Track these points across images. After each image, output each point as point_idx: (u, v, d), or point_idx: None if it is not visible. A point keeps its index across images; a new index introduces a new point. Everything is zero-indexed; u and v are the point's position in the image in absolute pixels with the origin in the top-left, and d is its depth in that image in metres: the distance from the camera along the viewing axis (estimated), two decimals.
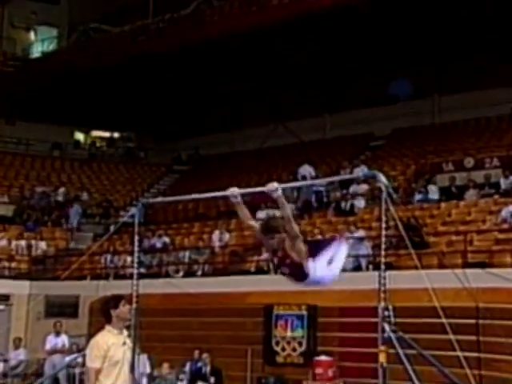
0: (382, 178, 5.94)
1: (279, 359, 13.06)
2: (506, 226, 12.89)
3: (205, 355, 12.95)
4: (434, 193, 15.87)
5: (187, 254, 16.52)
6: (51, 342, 14.48)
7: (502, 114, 19.47)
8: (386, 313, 5.83)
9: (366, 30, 18.73)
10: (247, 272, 14.43)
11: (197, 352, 13.08)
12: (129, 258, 15.74)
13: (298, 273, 5.50)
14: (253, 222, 5.72)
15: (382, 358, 5.80)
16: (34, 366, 15.47)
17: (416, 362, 6.03)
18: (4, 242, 19.27)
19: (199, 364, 12.95)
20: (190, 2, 22.03)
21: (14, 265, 18.65)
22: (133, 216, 7.29)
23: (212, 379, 12.71)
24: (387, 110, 21.95)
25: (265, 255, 13.61)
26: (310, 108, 23.00)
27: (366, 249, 13.54)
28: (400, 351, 5.74)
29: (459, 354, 6.39)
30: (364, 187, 16.58)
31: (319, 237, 14.75)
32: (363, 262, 13.44)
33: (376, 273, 6.24)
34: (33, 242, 19.47)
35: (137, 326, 6.67)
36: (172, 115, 25.91)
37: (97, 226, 21.37)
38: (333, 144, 22.55)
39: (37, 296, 16.78)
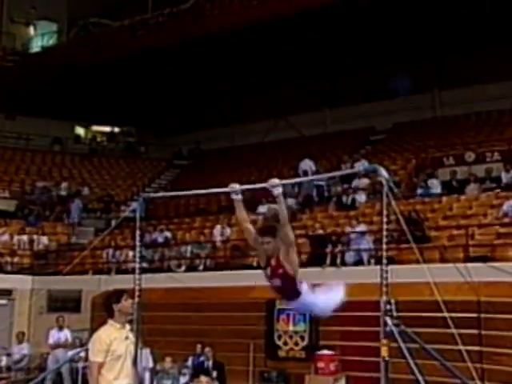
0: (383, 171, 5.94)
1: (281, 353, 13.08)
2: (507, 219, 12.87)
3: (207, 349, 12.97)
4: (436, 187, 15.87)
5: (189, 248, 16.53)
6: (54, 336, 14.53)
7: (503, 108, 19.43)
8: (388, 307, 5.85)
9: (366, 24, 18.69)
10: (249, 266, 14.43)
11: (199, 346, 13.10)
12: (130, 253, 15.74)
13: (290, 287, 5.37)
14: (249, 226, 5.54)
15: (383, 351, 5.81)
16: (37, 360, 15.55)
17: (418, 355, 6.05)
18: (6, 237, 19.29)
19: (201, 358, 12.97)
20: None
21: (16, 260, 18.69)
22: (134, 211, 7.30)
23: (214, 373, 12.73)
24: (388, 104, 21.93)
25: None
26: (310, 102, 22.96)
27: (367, 243, 13.55)
28: (402, 345, 5.75)
29: (461, 347, 6.39)
30: (365, 181, 16.57)
31: (321, 231, 14.80)
32: (365, 256, 13.46)
33: (378, 267, 6.26)
34: (35, 236, 19.49)
35: (139, 320, 6.69)
36: (172, 110, 25.90)
37: (98, 221, 21.37)
38: (333, 138, 22.53)
39: (39, 291, 16.83)
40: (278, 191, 5.35)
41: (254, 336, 13.32)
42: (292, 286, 5.38)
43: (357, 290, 12.12)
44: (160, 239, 17.48)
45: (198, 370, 12.82)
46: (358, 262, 13.44)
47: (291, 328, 12.99)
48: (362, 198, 16.29)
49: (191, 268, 16.02)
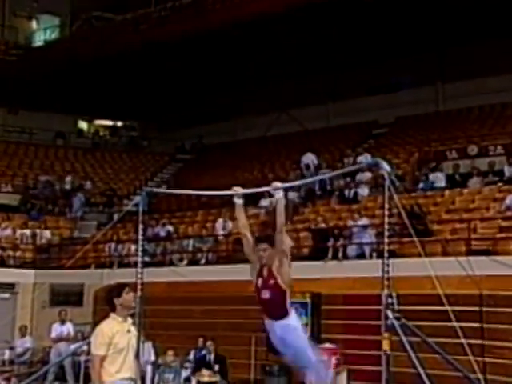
0: (385, 165, 5.95)
1: None
2: (509, 213, 12.85)
3: (209, 343, 12.99)
4: (440, 180, 15.84)
5: (191, 242, 16.56)
6: (56, 330, 14.56)
7: (506, 101, 19.38)
8: (390, 300, 5.85)
9: (368, 18, 18.64)
10: None
11: (201, 340, 13.12)
12: (133, 247, 15.78)
13: (279, 302, 5.32)
14: (248, 233, 5.51)
15: (385, 345, 5.82)
16: (40, 353, 15.59)
17: (419, 349, 6.06)
18: (9, 231, 19.34)
19: (203, 352, 12.99)
20: None
21: (18, 254, 18.75)
22: (137, 205, 7.30)
23: (216, 367, 12.74)
24: (390, 97, 21.90)
25: None
26: (312, 96, 22.93)
27: (369, 237, 13.55)
28: (403, 338, 5.76)
29: (463, 341, 6.41)
30: (367, 175, 16.56)
31: (323, 225, 14.78)
32: (367, 250, 13.46)
33: (379, 260, 6.25)
34: (37, 231, 19.55)
35: (141, 314, 6.71)
36: (175, 104, 25.87)
37: (100, 215, 21.39)
38: (336, 132, 22.51)
39: (42, 285, 16.88)
40: (279, 195, 5.35)
41: (255, 329, 13.29)
42: (281, 300, 5.34)
43: (358, 283, 12.18)
44: (162, 233, 17.51)
45: (200, 363, 12.84)
46: (360, 256, 13.44)
47: None
48: (364, 191, 16.29)
49: (193, 262, 16.05)
